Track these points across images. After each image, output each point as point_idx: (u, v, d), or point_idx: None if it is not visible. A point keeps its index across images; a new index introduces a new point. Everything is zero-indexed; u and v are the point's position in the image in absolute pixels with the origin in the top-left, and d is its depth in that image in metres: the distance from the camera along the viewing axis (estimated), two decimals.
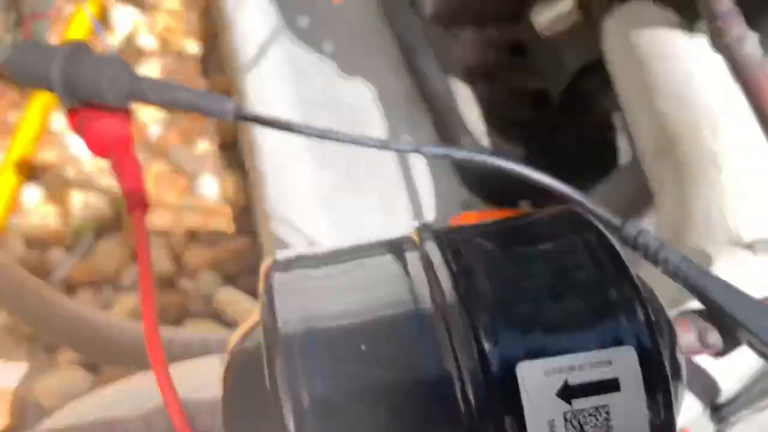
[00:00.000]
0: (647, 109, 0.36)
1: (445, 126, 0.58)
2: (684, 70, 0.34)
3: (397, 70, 0.66)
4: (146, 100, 0.27)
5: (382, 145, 0.26)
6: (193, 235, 0.68)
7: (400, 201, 0.60)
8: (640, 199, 0.44)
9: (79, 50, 0.26)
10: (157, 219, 0.68)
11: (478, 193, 0.60)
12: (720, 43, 0.28)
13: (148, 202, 0.26)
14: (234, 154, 0.73)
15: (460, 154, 0.25)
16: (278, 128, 0.25)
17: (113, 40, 0.80)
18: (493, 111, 0.55)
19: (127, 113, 0.26)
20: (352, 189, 0.59)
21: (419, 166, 0.61)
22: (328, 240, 0.57)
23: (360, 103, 0.64)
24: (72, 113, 0.26)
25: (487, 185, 0.59)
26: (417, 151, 0.27)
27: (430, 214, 0.60)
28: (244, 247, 0.67)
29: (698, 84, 0.34)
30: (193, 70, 0.79)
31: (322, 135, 0.26)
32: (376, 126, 0.63)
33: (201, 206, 0.68)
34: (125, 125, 0.27)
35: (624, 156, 0.56)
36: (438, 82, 0.58)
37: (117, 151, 0.26)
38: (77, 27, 0.78)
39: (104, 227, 0.70)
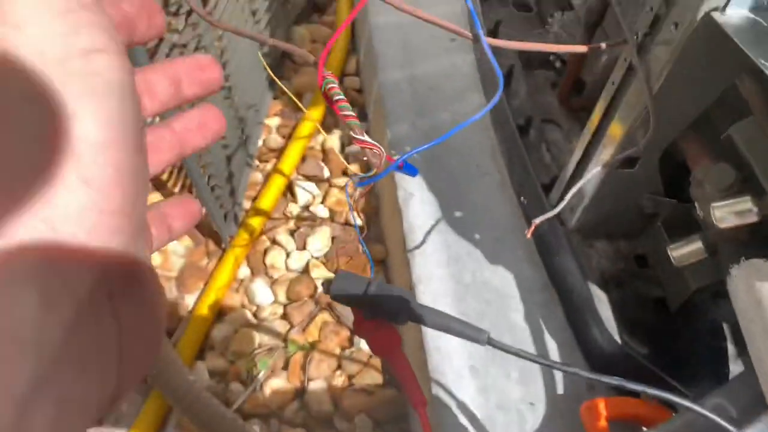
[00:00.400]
0: None
1: (581, 318, 0.70)
2: None
3: (532, 262, 0.81)
4: (423, 322, 0.40)
5: (551, 365, 0.38)
6: (350, 382, 0.80)
7: (536, 376, 0.71)
8: (755, 407, 0.53)
9: (381, 284, 0.41)
10: (321, 364, 0.82)
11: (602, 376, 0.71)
12: None
13: (425, 399, 0.38)
14: None
15: (632, 386, 0.37)
16: (522, 357, 0.37)
17: (295, 208, 1.00)
18: (623, 313, 0.67)
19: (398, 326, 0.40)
20: (496, 361, 0.71)
21: (552, 348, 0.73)
22: (474, 403, 0.68)
23: (503, 287, 0.78)
24: (361, 322, 0.40)
25: (607, 370, 0.69)
26: (576, 374, 0.39)
27: (560, 388, 0.71)
28: (393, 397, 0.78)
29: None
30: (355, 238, 0.97)
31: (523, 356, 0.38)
32: (514, 308, 0.76)
33: (359, 358, 0.81)
34: (398, 336, 0.40)
35: (734, 362, 0.65)
36: (576, 281, 0.71)
37: (393, 354, 0.40)
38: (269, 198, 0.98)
39: (274, 367, 0.84)
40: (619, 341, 0.65)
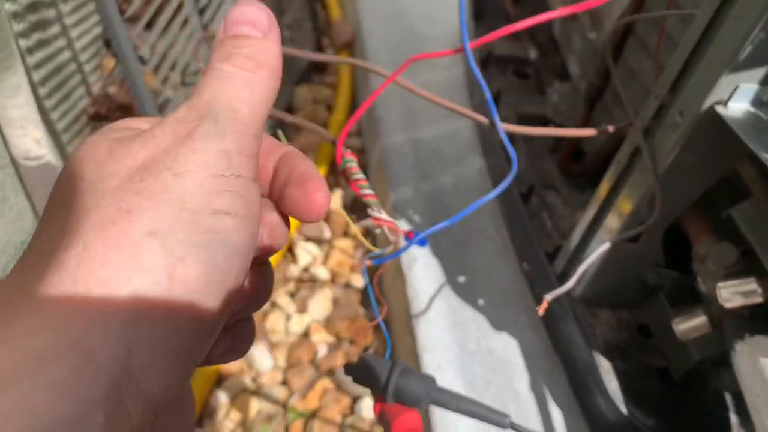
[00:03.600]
0: None
1: (585, 387, 0.72)
2: None
3: (535, 328, 0.83)
4: (446, 406, 0.42)
5: None
6: None
7: None
8: None
9: (405, 368, 0.43)
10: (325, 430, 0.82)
11: None
12: None
13: None
14: None
15: None
16: None
17: (295, 269, 1.02)
18: (627, 383, 0.69)
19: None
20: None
21: (557, 417, 0.75)
22: None
23: (507, 354, 0.80)
24: (383, 406, 0.42)
25: None
26: None
27: None
28: None
29: None
30: (356, 301, 0.99)
31: None
32: (519, 376, 0.78)
33: (361, 426, 0.82)
34: (420, 420, 0.42)
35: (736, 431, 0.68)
36: (581, 350, 0.73)
37: None
38: None
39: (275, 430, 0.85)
40: (625, 412, 0.67)
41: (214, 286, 0.18)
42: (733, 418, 0.69)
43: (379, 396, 0.41)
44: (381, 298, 0.42)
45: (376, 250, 0.49)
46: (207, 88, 0.20)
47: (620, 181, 0.69)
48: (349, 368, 0.42)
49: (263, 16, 0.21)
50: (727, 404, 0.69)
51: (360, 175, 0.54)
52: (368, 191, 0.53)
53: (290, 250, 1.04)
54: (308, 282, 1.01)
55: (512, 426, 0.39)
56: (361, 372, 0.41)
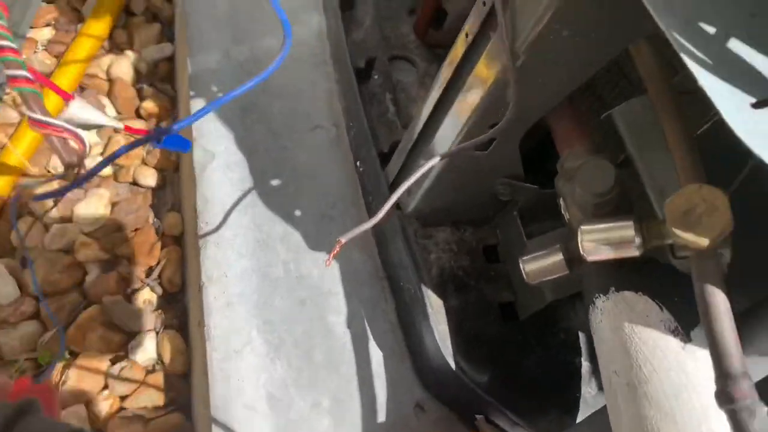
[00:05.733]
0: (632, 409, 0.36)
1: (413, 327, 0.58)
2: (675, 385, 0.35)
3: (364, 248, 0.67)
4: None
5: None
6: (121, 406, 0.64)
7: (353, 400, 0.58)
8: None
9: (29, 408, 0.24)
10: (81, 383, 0.64)
11: (434, 395, 0.60)
12: (726, 404, 0.28)
13: None
14: (178, 309, 0.71)
15: None
16: None
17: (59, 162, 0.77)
18: (461, 326, 0.56)
19: None
20: (301, 385, 0.58)
21: (376, 357, 0.61)
22: None
23: (323, 281, 0.64)
24: None
25: (441, 390, 0.59)
26: None
27: (382, 414, 0.59)
28: (177, 424, 0.63)
29: (686, 401, 0.35)
30: (143, 204, 0.77)
31: None
32: (335, 308, 0.63)
33: (133, 375, 0.64)
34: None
35: (587, 383, 0.57)
36: (409, 280, 0.58)
37: None
38: None
39: None
40: (453, 365, 0.53)
41: None
42: (585, 366, 0.58)
43: None
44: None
45: (40, 177, 0.29)
46: None
47: (469, 59, 0.50)
48: None
49: None
50: (579, 348, 0.58)
51: None
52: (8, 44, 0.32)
53: None
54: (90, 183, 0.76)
55: None
56: None
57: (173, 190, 0.78)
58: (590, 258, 0.39)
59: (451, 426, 0.59)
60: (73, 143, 0.31)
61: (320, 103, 0.78)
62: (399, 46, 0.81)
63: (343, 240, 0.41)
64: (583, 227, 0.39)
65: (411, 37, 0.83)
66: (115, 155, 0.28)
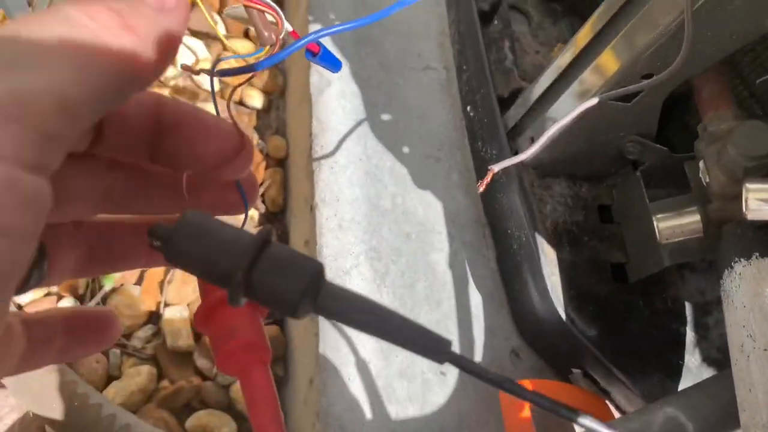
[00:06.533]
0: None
1: (519, 275, 0.59)
2: None
3: (468, 191, 0.67)
4: (341, 318, 0.23)
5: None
6: None
7: (451, 336, 0.60)
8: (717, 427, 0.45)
9: (275, 246, 0.22)
10: (184, 286, 0.67)
11: (530, 343, 0.61)
12: None
13: None
14: (278, 228, 0.72)
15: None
16: (488, 381, 0.23)
17: (171, 70, 0.78)
18: (573, 280, 0.56)
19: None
20: (406, 315, 0.59)
21: (476, 301, 0.62)
22: (371, 367, 0.57)
23: (428, 219, 0.65)
24: (215, 307, 0.24)
25: (540, 340, 0.60)
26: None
27: (478, 355, 0.61)
28: (273, 335, 0.66)
29: None
30: (248, 125, 0.79)
31: None
32: (438, 246, 0.64)
33: None
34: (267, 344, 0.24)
35: (691, 353, 0.57)
36: (521, 228, 0.59)
37: (255, 370, 0.24)
38: None
39: (124, 280, 0.68)
40: (564, 316, 0.54)
41: None
42: (690, 335, 0.58)
43: (213, 291, 0.23)
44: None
45: (242, 51, 0.28)
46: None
47: (624, 11, 0.49)
48: (159, 235, 0.21)
49: None
50: (685, 317, 0.58)
51: None
52: None
53: None
54: (186, 93, 0.78)
55: (451, 358, 0.22)
56: (185, 245, 0.21)
57: (278, 115, 0.80)
58: (751, 217, 0.39)
59: (543, 377, 0.61)
60: (272, 17, 0.31)
61: (432, 44, 0.78)
62: None
63: (496, 169, 0.42)
64: (749, 185, 0.39)
65: None
66: (285, 54, 0.28)
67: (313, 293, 0.21)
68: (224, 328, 0.21)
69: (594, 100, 0.43)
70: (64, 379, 0.53)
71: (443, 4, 0.82)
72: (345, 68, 0.71)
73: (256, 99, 0.80)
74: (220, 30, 0.84)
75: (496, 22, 0.74)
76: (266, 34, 0.32)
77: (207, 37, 0.82)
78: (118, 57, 0.16)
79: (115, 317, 0.22)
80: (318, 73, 0.70)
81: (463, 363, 0.22)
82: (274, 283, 0.20)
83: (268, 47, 0.33)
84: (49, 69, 0.14)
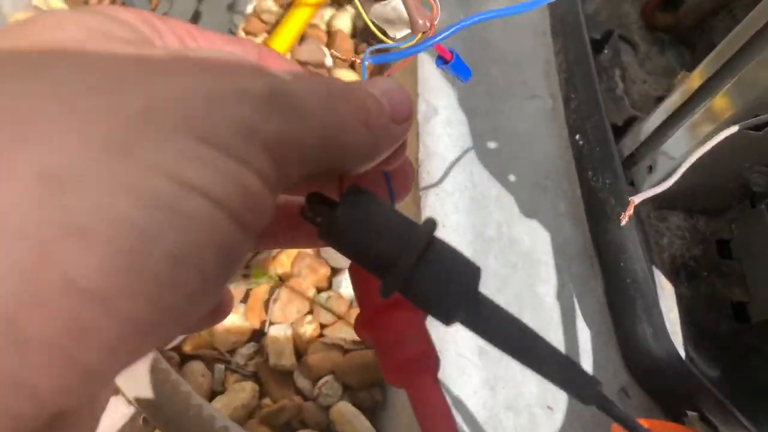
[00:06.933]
0: None
1: (631, 310, 0.56)
2: None
3: (576, 221, 0.66)
4: (487, 334, 0.22)
5: None
6: (321, 333, 0.68)
7: None
8: None
9: (439, 243, 0.21)
10: (288, 306, 0.69)
11: (639, 382, 0.58)
12: None
13: None
14: None
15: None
16: (627, 427, 0.22)
17: None
18: (692, 317, 0.53)
19: None
20: None
21: (583, 336, 0.60)
22: (477, 398, 0.56)
23: (534, 249, 0.64)
24: (373, 300, 0.23)
25: (653, 378, 0.57)
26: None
27: None
28: (369, 361, 0.66)
29: None
30: None
31: None
32: (544, 278, 0.63)
33: (337, 307, 0.68)
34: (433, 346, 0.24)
35: None
36: (636, 262, 0.56)
37: (421, 378, 0.23)
38: None
39: None
40: (683, 355, 0.52)
41: None
42: None
43: (361, 272, 0.20)
44: None
45: (389, 42, 0.29)
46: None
47: (756, 41, 0.47)
48: (322, 213, 0.19)
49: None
50: None
51: None
52: None
53: None
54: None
55: (599, 403, 0.21)
56: (352, 223, 0.19)
57: None
58: None
59: (653, 417, 0.58)
60: (425, 13, 0.31)
61: (538, 72, 0.78)
62: (621, 26, 0.79)
63: (637, 200, 0.41)
64: None
65: (633, 17, 0.81)
66: (424, 47, 0.28)
67: (471, 303, 0.20)
68: (391, 334, 0.21)
69: (734, 128, 0.41)
70: (179, 390, 0.55)
71: (548, 33, 0.81)
72: (452, 96, 0.72)
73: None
74: (327, 62, 0.88)
75: (606, 51, 0.73)
76: (420, 21, 0.33)
77: (314, 67, 0.86)
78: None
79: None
80: (425, 101, 0.71)
81: (607, 406, 0.21)
82: (438, 284, 0.18)
83: (420, 34, 0.33)
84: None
